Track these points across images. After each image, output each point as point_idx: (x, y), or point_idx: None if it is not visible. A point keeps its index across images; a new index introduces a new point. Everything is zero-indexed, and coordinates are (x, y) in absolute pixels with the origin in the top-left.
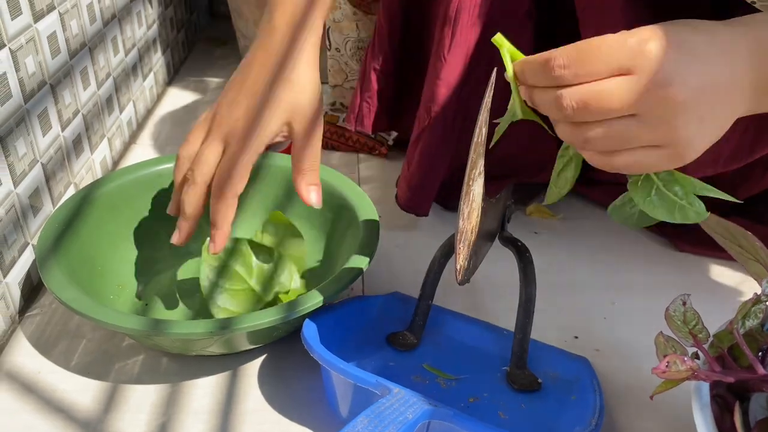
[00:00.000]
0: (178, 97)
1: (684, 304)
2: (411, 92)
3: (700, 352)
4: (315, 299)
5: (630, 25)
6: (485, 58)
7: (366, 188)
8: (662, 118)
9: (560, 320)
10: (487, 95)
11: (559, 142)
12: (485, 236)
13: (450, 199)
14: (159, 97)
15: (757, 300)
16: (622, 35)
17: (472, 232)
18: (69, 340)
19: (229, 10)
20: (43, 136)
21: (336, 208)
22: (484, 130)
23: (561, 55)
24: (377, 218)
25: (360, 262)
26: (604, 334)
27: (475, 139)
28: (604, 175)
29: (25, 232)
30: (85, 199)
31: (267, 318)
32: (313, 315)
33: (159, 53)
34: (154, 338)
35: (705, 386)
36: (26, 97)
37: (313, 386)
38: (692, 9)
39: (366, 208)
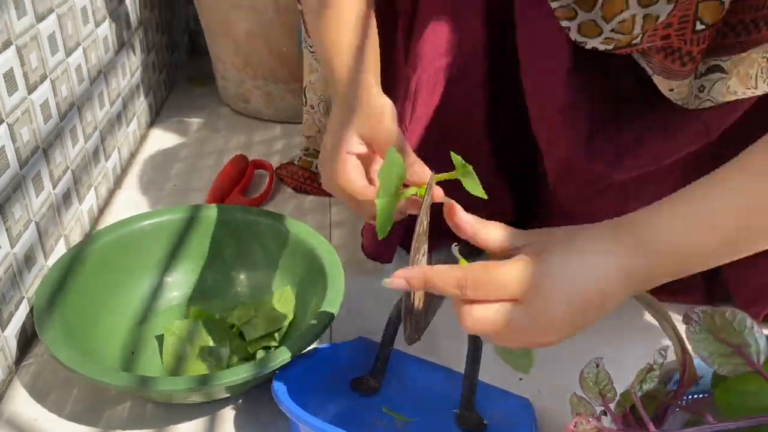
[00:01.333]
0: (161, 139)
1: (597, 366)
2: None
3: (606, 411)
4: (284, 355)
5: (567, 103)
6: (440, 127)
7: (337, 233)
8: (539, 332)
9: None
10: (427, 194)
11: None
12: (437, 296)
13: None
14: (142, 140)
15: (650, 369)
16: (519, 268)
17: (416, 307)
18: (62, 388)
19: (207, 46)
20: (36, 197)
21: (306, 263)
22: (425, 223)
23: (470, 278)
24: (342, 273)
25: (325, 318)
26: (547, 376)
27: (417, 230)
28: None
29: (21, 287)
30: (75, 258)
31: (241, 374)
32: (283, 366)
33: (142, 98)
34: (143, 392)
35: None
36: (21, 164)
37: (283, 426)
38: (628, 98)
39: (333, 264)
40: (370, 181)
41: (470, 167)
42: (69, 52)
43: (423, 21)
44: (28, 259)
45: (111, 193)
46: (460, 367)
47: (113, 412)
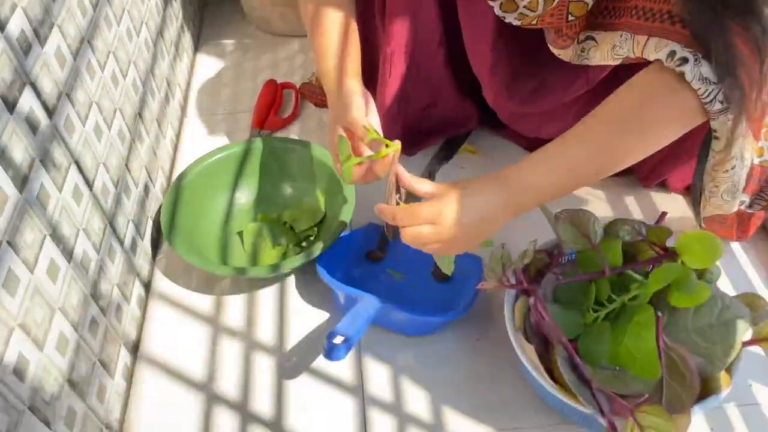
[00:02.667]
0: (206, 65)
1: (503, 247)
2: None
3: (506, 276)
4: (319, 247)
5: (494, 61)
6: (412, 74)
7: None
8: (450, 243)
9: None
10: (394, 159)
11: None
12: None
13: (408, 144)
14: (191, 68)
15: (525, 253)
16: (430, 204)
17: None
18: (185, 273)
19: None
20: (141, 147)
21: (328, 178)
22: (394, 179)
23: (399, 214)
24: (353, 187)
25: (342, 221)
26: (507, 237)
27: (387, 186)
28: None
29: (147, 208)
30: (178, 187)
31: (297, 261)
32: (321, 253)
33: (186, 29)
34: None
35: (512, 293)
36: (131, 132)
37: (324, 289)
38: (537, 55)
39: None
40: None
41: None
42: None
43: (391, 8)
44: (146, 190)
45: (181, 122)
46: None
47: (220, 285)
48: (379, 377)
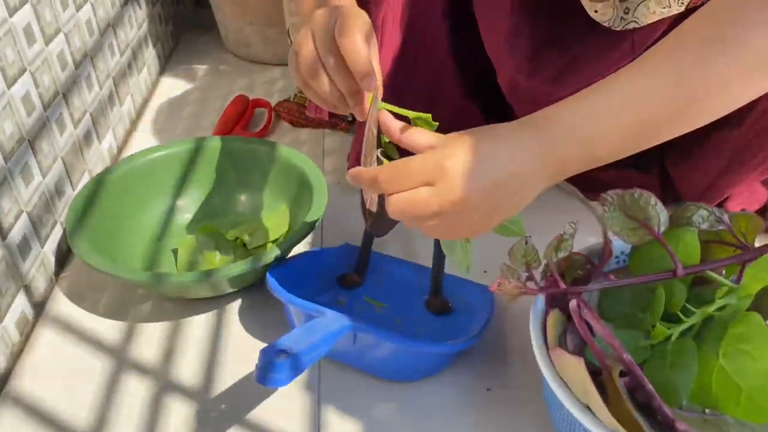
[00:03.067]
0: (170, 86)
1: (525, 242)
2: None
3: (531, 277)
4: (275, 252)
5: (514, 32)
6: (408, 56)
7: (328, 159)
8: (459, 215)
9: (473, 258)
10: (372, 106)
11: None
12: None
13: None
14: (153, 87)
15: (562, 238)
16: (426, 156)
17: (368, 207)
18: (95, 292)
19: None
20: (60, 136)
21: (298, 183)
22: (374, 131)
23: (382, 173)
24: (326, 187)
25: (310, 223)
26: None
27: (366, 137)
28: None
29: (54, 212)
30: (99, 183)
31: (240, 267)
32: (279, 265)
33: (150, 48)
34: (158, 286)
35: (540, 299)
36: (45, 107)
37: (278, 317)
38: (565, 23)
39: (318, 184)
40: None
41: (435, 125)
42: (78, 8)
43: None
44: (58, 190)
45: (128, 135)
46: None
47: (137, 309)
48: None
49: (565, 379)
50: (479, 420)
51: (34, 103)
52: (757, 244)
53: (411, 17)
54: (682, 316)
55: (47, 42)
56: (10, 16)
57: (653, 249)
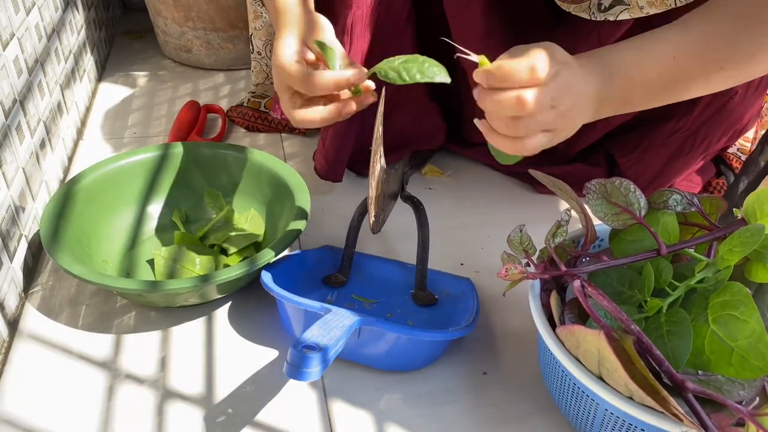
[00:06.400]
0: (111, 92)
1: (521, 231)
2: None
3: (530, 262)
4: (269, 254)
5: (486, 31)
6: (376, 59)
7: (290, 163)
8: (555, 119)
9: (450, 252)
10: (380, 105)
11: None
12: (390, 197)
13: (359, 167)
14: (93, 94)
15: (559, 225)
16: (536, 56)
17: (378, 198)
18: (71, 307)
19: (142, 2)
20: (21, 144)
21: (273, 186)
22: (380, 129)
23: (490, 73)
24: (307, 190)
25: (298, 225)
26: (482, 260)
27: (375, 135)
28: (477, 138)
29: (20, 225)
30: (66, 194)
31: (234, 272)
32: (267, 268)
33: (89, 54)
34: (146, 295)
35: (536, 283)
36: (6, 114)
37: (269, 319)
38: (536, 20)
39: (298, 183)
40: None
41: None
42: (27, 11)
43: None
44: (22, 201)
45: (76, 144)
46: (413, 262)
47: (121, 320)
48: (355, 429)
49: (577, 355)
50: (480, 402)
51: None
52: None
53: (378, 19)
54: (669, 291)
55: (4, 47)
56: None
57: (635, 231)
